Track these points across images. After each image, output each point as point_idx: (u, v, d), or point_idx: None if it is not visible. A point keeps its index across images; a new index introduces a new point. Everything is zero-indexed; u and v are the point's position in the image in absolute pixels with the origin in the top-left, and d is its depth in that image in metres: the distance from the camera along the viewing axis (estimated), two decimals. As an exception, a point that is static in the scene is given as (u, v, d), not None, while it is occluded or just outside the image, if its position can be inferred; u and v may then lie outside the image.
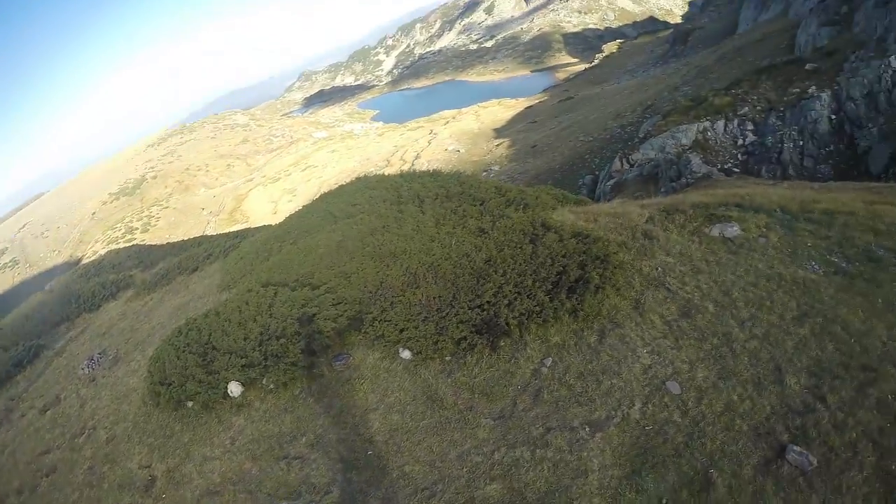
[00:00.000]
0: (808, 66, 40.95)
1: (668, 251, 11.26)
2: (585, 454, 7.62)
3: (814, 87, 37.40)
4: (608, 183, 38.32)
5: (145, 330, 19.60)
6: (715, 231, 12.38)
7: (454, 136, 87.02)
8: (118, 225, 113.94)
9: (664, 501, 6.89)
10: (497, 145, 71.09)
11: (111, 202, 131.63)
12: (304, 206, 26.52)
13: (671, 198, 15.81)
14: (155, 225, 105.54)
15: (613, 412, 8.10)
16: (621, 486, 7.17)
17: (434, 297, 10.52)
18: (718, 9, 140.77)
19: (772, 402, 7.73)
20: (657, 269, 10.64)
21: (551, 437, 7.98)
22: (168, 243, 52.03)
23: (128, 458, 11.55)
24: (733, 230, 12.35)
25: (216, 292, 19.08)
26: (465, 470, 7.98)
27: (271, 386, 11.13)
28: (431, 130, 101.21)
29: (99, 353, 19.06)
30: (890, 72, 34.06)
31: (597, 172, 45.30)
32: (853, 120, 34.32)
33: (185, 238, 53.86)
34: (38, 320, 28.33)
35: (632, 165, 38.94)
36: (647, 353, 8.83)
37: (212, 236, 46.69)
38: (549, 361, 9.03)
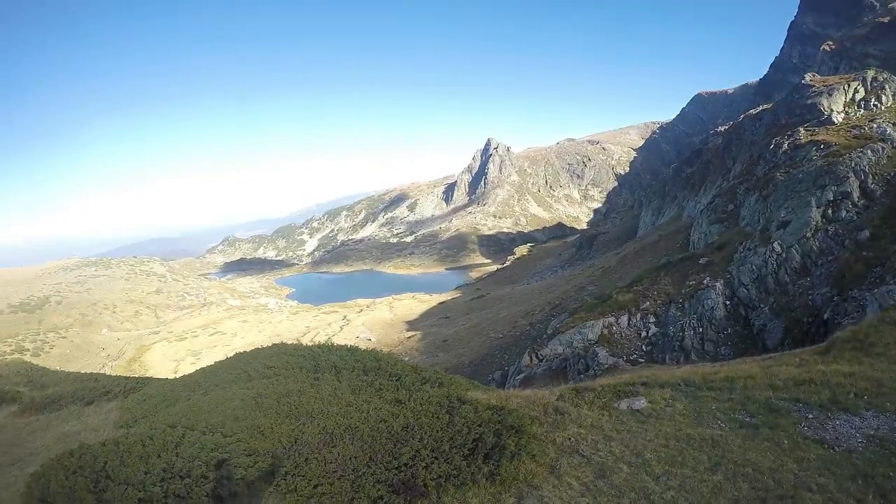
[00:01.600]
0: (701, 261, 45.56)
1: (580, 423, 11.86)
2: None
3: (708, 279, 41.41)
4: (517, 377, 39.56)
5: (28, 447, 18.08)
6: (623, 405, 13.11)
7: (367, 325, 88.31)
8: (9, 339, 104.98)
9: None
10: (409, 337, 72.65)
11: (8, 313, 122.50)
12: (216, 363, 25.87)
13: (580, 383, 16.73)
14: (48, 352, 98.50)
15: None
16: None
17: (350, 457, 10.37)
18: (620, 215, 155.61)
19: None
20: (570, 438, 11.13)
21: None
22: (62, 370, 48.21)
23: None
24: (640, 403, 13.12)
25: (112, 428, 17.87)
26: None
27: (168, 532, 10.26)
28: (345, 316, 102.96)
29: (-29, 462, 17.07)
30: (774, 256, 38.73)
31: (506, 368, 46.60)
32: (746, 303, 38.07)
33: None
34: None
35: (541, 360, 40.50)
36: None
37: (110, 375, 43.59)
38: None
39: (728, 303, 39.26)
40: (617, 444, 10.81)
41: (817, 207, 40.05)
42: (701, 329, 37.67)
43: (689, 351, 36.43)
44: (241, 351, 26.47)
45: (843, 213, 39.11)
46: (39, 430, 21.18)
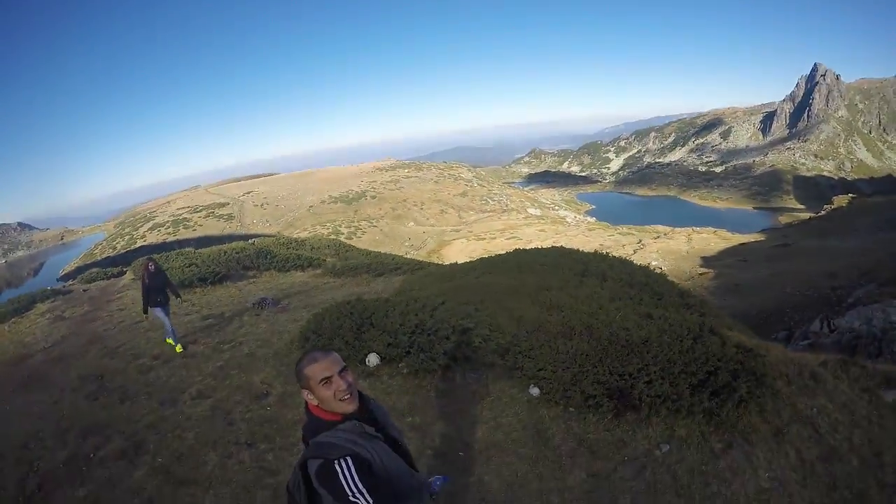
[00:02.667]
0: None
1: (832, 398, 10.28)
2: (659, 540, 7.29)
3: None
4: (801, 343, 34.84)
5: (319, 299, 21.68)
6: (890, 396, 11.14)
7: (661, 252, 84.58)
8: (328, 224, 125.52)
9: None
10: (701, 273, 67.99)
11: (329, 203, 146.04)
12: (496, 255, 27.62)
13: (852, 359, 14.40)
14: (360, 237, 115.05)
15: None
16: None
17: (581, 353, 10.66)
18: None
19: None
20: (813, 408, 9.80)
21: (637, 513, 7.73)
22: (366, 249, 56.18)
23: (255, 372, 13.13)
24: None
25: (392, 293, 20.60)
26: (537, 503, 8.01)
27: (405, 370, 11.93)
28: (641, 240, 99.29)
29: (272, 299, 21.39)
30: None
31: (793, 329, 41.40)
32: None
33: (382, 255, 58.24)
34: (232, 258, 32.21)
35: (832, 331, 35.03)
36: (767, 477, 8.24)
37: (405, 257, 49.69)
38: (665, 448, 8.73)
39: None
40: (861, 433, 9.28)
41: None
42: None
43: None
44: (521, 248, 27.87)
45: None
46: (333, 288, 25.12)
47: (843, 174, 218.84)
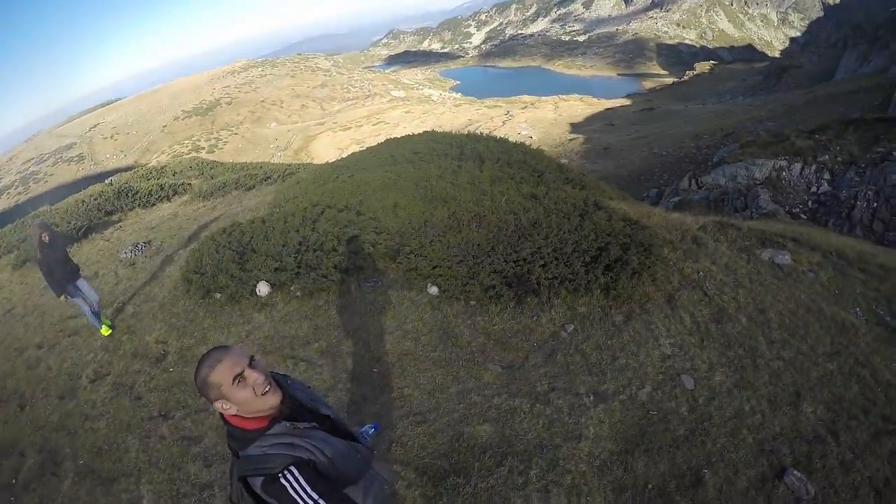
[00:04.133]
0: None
1: (714, 260, 11.05)
2: (584, 420, 7.58)
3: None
4: (672, 199, 37.62)
5: (192, 230, 20.23)
6: (765, 255, 12.10)
7: (530, 122, 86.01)
8: (186, 141, 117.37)
9: (650, 487, 6.80)
10: (571, 140, 70.22)
11: (183, 119, 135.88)
12: (367, 148, 26.83)
13: (728, 219, 15.60)
14: (221, 148, 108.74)
15: (622, 389, 8.06)
16: (611, 459, 7.09)
17: (473, 244, 10.58)
18: (819, 51, 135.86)
19: (783, 424, 7.57)
20: (699, 272, 10.47)
21: (554, 397, 7.97)
22: (232, 162, 53.07)
23: (147, 332, 12.01)
24: (784, 258, 12.05)
25: (267, 208, 19.54)
26: (461, 406, 8.06)
27: (298, 293, 11.41)
28: (508, 112, 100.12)
29: (144, 243, 19.73)
30: None
31: (664, 188, 44.47)
32: None
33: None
34: (92, 207, 29.25)
35: (700, 187, 38.11)
36: (669, 344, 8.74)
37: (272, 163, 47.46)
38: (570, 328, 9.02)
39: (917, 186, 34.46)
40: (745, 292, 10.09)
41: None
42: (875, 204, 33.49)
43: (855, 223, 32.72)
44: (393, 137, 27.19)
45: None
46: (205, 214, 23.40)
47: (704, 42, 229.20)
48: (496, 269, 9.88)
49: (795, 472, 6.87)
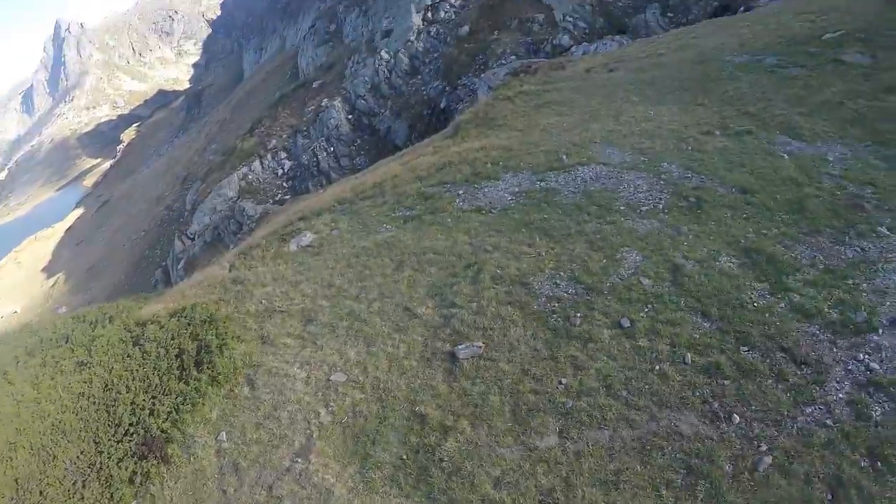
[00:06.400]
0: (315, 84, 46.11)
1: (263, 283, 11.73)
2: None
3: (326, 99, 42.50)
4: (179, 267, 37.57)
5: None
6: (293, 246, 13.26)
7: (3, 295, 73.24)
8: None
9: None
10: (52, 285, 62.68)
11: None
12: None
13: (243, 244, 16.31)
14: None
15: (307, 432, 8.32)
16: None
17: (64, 460, 8.60)
18: (222, 63, 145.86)
19: (418, 339, 9.47)
20: (262, 301, 11.02)
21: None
22: None
23: None
24: (307, 238, 13.37)
25: None
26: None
27: None
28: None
29: None
30: (384, 63, 41.60)
31: (164, 263, 43.19)
32: (367, 112, 40.71)
33: None
34: None
35: (193, 239, 38.58)
36: (298, 368, 9.22)
37: None
38: (223, 435, 8.64)
39: (350, 116, 41.22)
40: (307, 283, 11.14)
41: (417, 12, 42.86)
42: (332, 148, 39.13)
43: (327, 172, 37.76)
44: None
45: (443, 14, 42.85)
46: None
47: (119, 111, 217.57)
48: (119, 456, 8.62)
49: (459, 346, 8.99)
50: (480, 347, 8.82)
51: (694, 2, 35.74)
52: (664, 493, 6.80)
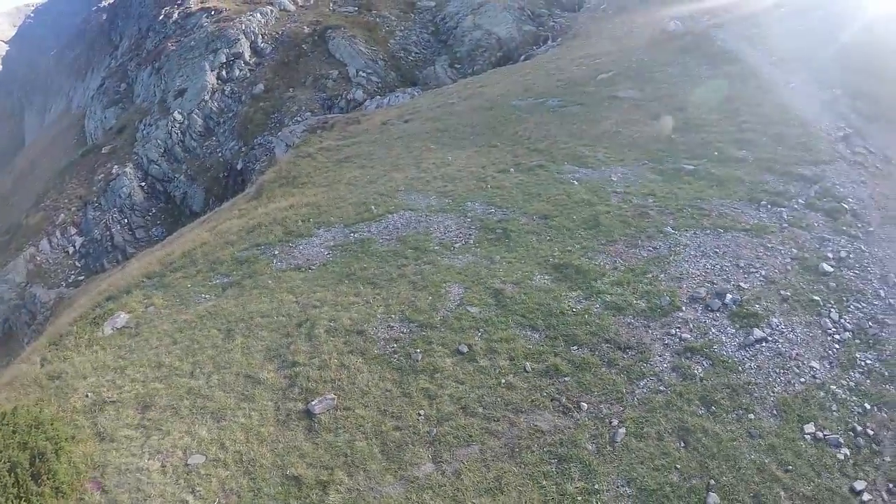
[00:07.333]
0: (105, 150, 43.31)
1: (84, 374, 11.16)
2: None
3: (116, 166, 39.89)
4: None
5: None
6: (107, 329, 12.69)
7: None
8: None
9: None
10: None
11: None
12: None
13: (44, 337, 14.75)
14: None
15: None
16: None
17: None
18: (2, 125, 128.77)
19: (269, 404, 9.77)
20: (87, 395, 10.50)
21: None
22: None
23: None
24: (121, 319, 12.96)
25: None
26: None
27: None
28: None
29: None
30: (177, 125, 40.30)
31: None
32: (161, 178, 39.26)
33: None
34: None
35: None
36: (150, 459, 8.94)
37: None
38: None
39: (143, 184, 39.30)
40: (133, 368, 10.94)
41: (212, 70, 42.09)
42: (126, 220, 36.95)
43: (122, 247, 35.55)
44: None
45: (237, 72, 42.46)
46: None
47: None
48: None
49: (312, 402, 9.33)
50: (333, 399, 9.42)
51: (479, 53, 40.15)
52: (545, 483, 7.99)
